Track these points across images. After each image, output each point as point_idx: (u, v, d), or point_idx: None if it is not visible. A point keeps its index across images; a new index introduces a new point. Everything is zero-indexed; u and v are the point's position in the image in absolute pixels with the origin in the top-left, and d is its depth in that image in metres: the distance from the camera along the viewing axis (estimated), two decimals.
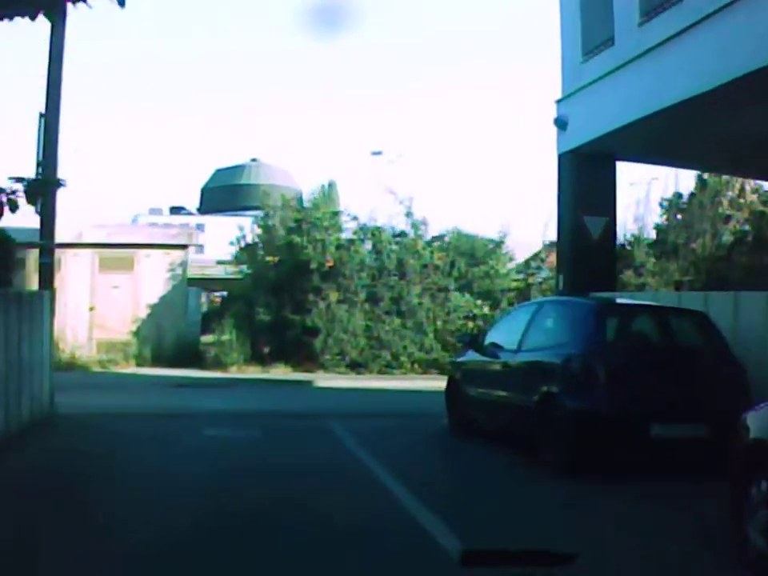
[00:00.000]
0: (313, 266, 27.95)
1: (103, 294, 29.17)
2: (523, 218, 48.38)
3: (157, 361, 28.31)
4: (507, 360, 13.05)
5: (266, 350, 28.06)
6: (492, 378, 13.64)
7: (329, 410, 17.95)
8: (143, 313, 29.38)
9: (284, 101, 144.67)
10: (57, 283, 25.94)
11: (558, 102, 20.18)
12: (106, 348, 28.68)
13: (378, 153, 37.41)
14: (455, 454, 13.40)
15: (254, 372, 27.02)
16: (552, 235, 32.48)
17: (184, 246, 30.15)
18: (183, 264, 29.95)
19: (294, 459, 12.17)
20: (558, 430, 11.28)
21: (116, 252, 29.38)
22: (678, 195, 33.29)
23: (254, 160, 75.65)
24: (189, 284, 30.80)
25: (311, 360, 27.68)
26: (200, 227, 72.83)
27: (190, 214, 73.02)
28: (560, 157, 20.10)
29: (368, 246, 29.00)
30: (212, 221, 64.16)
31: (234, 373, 26.82)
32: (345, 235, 29.18)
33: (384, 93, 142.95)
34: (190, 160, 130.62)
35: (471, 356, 14.59)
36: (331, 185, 29.99)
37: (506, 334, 13.79)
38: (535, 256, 33.44)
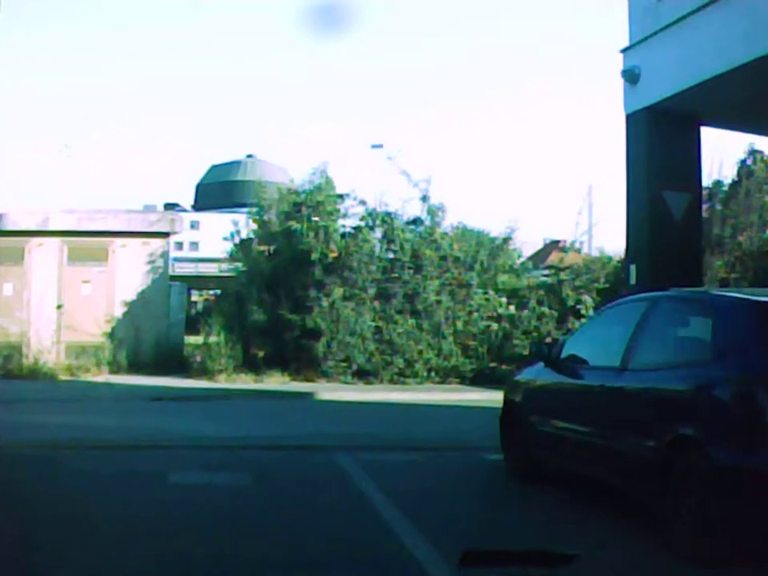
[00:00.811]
0: (314, 256, 24.27)
1: (73, 289, 25.55)
2: (523, 216, 46.01)
3: (134, 367, 24.76)
4: (605, 383, 8.95)
5: (260, 354, 24.28)
6: (578, 407, 9.56)
7: (337, 437, 14.11)
8: (118, 311, 25.74)
9: (282, 96, 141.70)
10: (19, 277, 23.04)
11: (625, 50, 16.27)
12: (75, 352, 25.11)
13: (379, 146, 34.29)
14: (524, 518, 9.20)
15: (245, 381, 23.33)
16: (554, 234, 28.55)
17: (165, 234, 26.47)
18: (165, 255, 26.33)
19: (296, 537, 7.99)
20: (696, 495, 7.27)
21: (87, 241, 25.75)
22: (719, 183, 29.48)
23: (249, 156, 77.20)
24: (177, 279, 27.31)
25: (312, 367, 23.98)
26: (194, 224, 73.06)
27: (184, 210, 72.62)
28: (629, 117, 16.18)
29: (378, 234, 25.40)
30: (207, 218, 67.14)
31: (222, 382, 23.13)
32: (351, 222, 25.74)
33: (382, 91, 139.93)
34: (185, 155, 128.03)
35: (542, 374, 10.52)
36: (328, 180, 25.89)
37: (598, 344, 9.78)
38: (537, 254, 29.87)
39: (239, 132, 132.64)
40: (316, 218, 24.70)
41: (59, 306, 25.29)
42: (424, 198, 25.57)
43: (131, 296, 25.86)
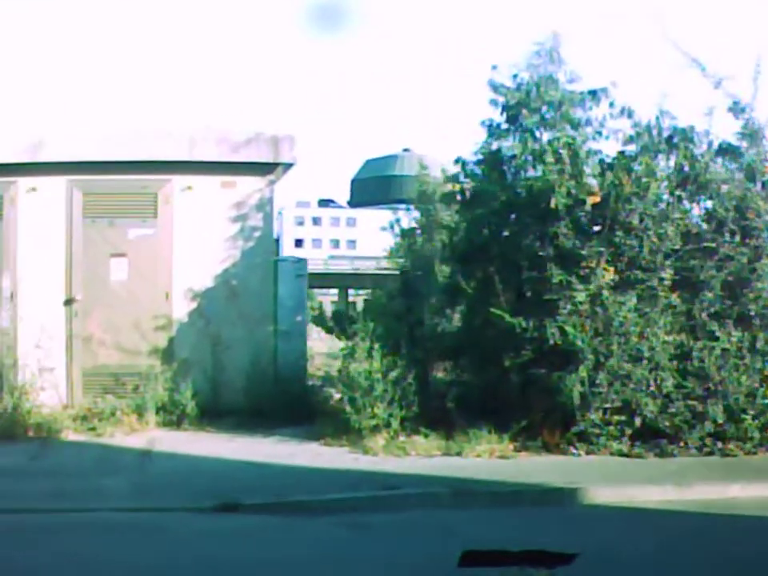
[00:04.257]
0: (557, 201, 12.92)
1: (94, 268, 15.17)
2: None
3: (210, 415, 14.31)
4: None
5: (450, 395, 13.31)
6: None
7: None
8: (180, 310, 15.34)
9: (441, 86, 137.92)
10: None
11: None
12: (100, 386, 14.99)
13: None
14: None
15: (425, 451, 12.26)
16: None
17: (267, 168, 15.38)
18: (265, 206, 15.42)
19: None
20: None
21: (119, 182, 15.27)
22: None
23: (406, 150, 76.24)
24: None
25: (554, 423, 12.59)
26: (351, 221, 79.72)
27: (340, 206, 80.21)
28: None
29: (662, 162, 13.96)
30: (363, 214, 70.65)
31: (378, 452, 12.31)
32: (608, 146, 14.25)
33: None
34: (340, 149, 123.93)
35: None
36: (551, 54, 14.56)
37: None
38: None
39: (395, 125, 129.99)
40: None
41: (70, 301, 15.11)
42: (737, 108, 13.99)
43: (203, 281, 15.36)
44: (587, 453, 12.26)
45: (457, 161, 14.26)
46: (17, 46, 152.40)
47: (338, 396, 14.08)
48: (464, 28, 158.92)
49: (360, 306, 36.33)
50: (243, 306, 15.03)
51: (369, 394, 12.60)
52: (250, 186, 15.25)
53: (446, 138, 69.93)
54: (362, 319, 13.22)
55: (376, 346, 12.98)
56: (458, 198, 14.26)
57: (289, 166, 15.62)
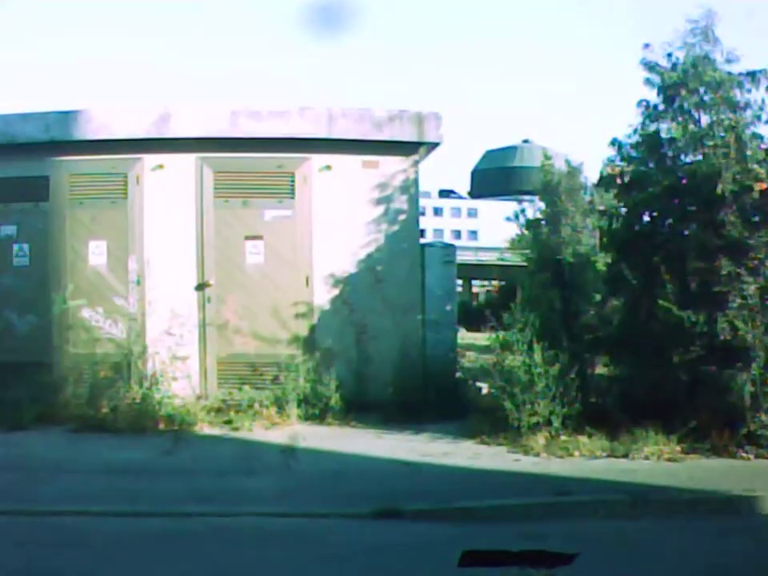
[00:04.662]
0: (723, 188, 12.00)
1: (227, 252, 14.52)
2: None
3: (356, 408, 13.55)
4: None
5: (612, 392, 12.62)
6: None
7: None
8: (321, 296, 14.61)
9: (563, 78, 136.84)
10: (118, 231, 14.44)
11: None
12: (236, 377, 14.38)
13: None
14: None
15: (589, 451, 11.30)
16: None
17: (412, 148, 14.61)
18: (409, 188, 14.63)
19: None
20: None
21: (250, 159, 14.60)
22: None
23: (526, 141, 75.77)
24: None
25: (721, 421, 11.46)
26: (472, 211, 78.16)
27: (460, 197, 77.99)
28: None
29: None
30: (484, 204, 69.60)
31: (540, 451, 11.39)
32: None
33: None
34: (460, 140, 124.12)
35: None
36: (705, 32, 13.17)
37: None
38: None
39: (515, 115, 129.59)
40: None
41: (202, 285, 14.49)
42: None
43: (345, 266, 14.60)
44: (756, 456, 11.33)
45: (612, 142, 13.33)
46: (146, 18, 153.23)
47: (486, 390, 13.27)
48: (578, 24, 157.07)
49: (482, 296, 36.83)
50: (389, 293, 14.22)
51: (529, 389, 11.82)
52: (393, 167, 14.41)
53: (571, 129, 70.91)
54: (519, 310, 12.47)
55: (536, 341, 12.16)
56: (618, 181, 13.44)
57: (435, 145, 14.85)
